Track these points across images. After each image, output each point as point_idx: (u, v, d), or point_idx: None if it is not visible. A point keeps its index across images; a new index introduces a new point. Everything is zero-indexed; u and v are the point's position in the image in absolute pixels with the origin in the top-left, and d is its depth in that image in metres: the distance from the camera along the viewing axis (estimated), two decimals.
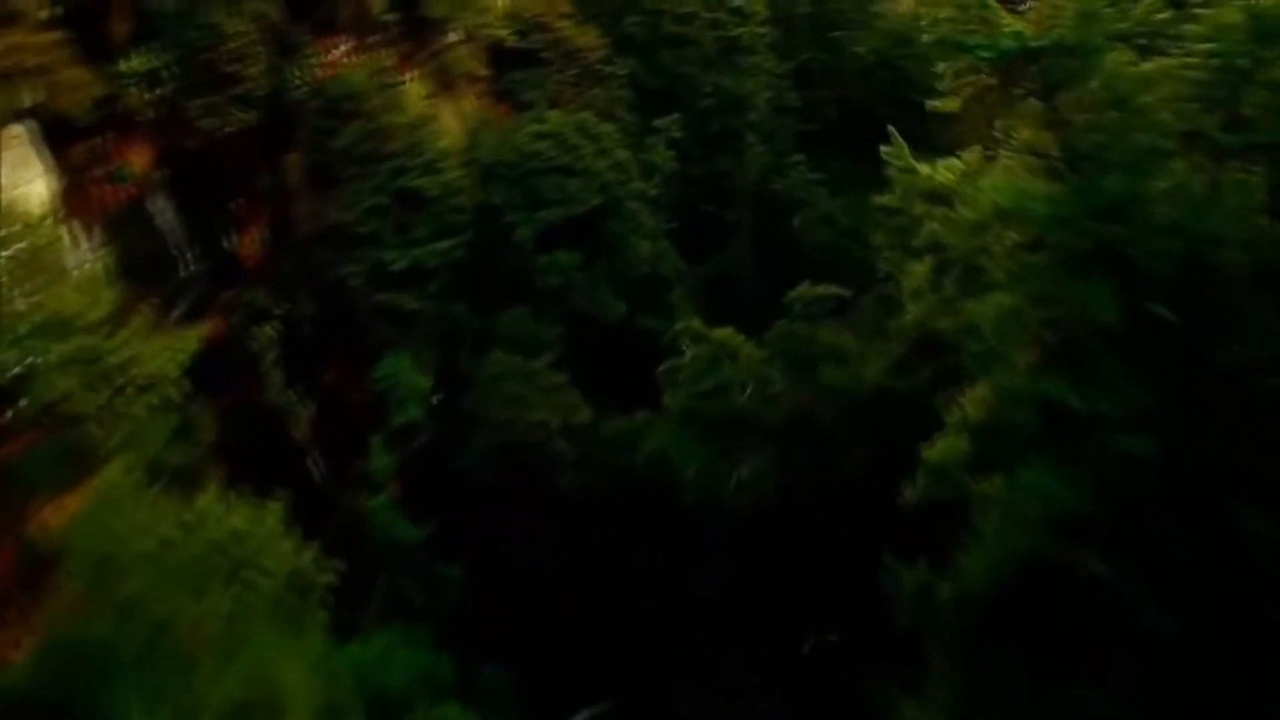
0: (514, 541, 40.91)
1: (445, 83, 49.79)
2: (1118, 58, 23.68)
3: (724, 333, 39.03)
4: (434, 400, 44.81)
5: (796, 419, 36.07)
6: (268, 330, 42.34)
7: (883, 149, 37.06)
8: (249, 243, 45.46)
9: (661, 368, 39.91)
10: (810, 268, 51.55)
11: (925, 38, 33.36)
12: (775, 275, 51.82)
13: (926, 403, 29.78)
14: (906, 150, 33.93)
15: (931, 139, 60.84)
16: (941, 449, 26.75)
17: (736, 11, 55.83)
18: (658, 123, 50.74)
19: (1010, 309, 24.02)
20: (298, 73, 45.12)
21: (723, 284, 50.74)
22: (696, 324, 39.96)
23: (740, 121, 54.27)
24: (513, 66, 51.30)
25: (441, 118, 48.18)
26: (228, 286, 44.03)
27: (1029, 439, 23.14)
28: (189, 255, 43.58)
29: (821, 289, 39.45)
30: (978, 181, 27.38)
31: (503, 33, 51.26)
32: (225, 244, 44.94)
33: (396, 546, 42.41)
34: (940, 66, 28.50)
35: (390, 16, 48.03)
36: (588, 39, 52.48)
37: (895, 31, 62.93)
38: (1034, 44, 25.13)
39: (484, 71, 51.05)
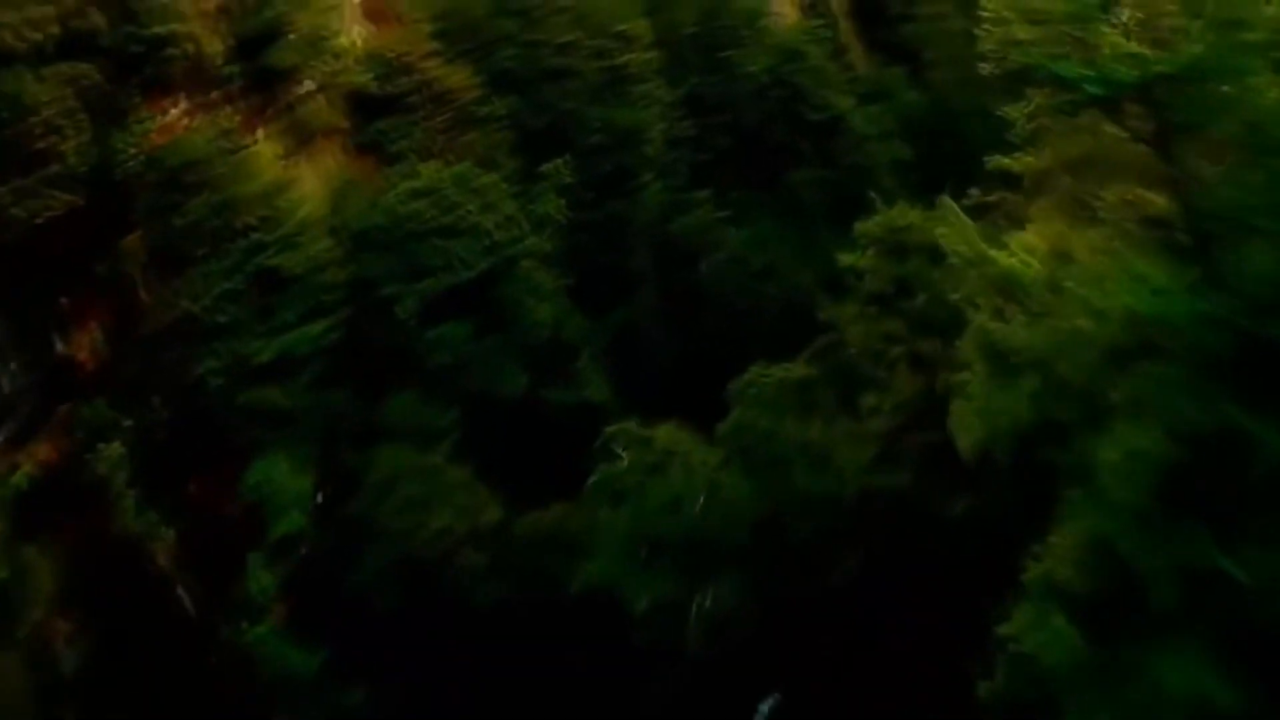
0: (424, 667, 35.58)
1: (302, 140, 43.92)
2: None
3: (667, 432, 33.92)
4: (318, 503, 39.33)
5: (766, 534, 30.99)
6: (115, 447, 36.27)
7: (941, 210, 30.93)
8: (85, 344, 38.94)
9: (591, 479, 34.56)
10: (724, 318, 47.25)
11: (998, 64, 25.73)
12: (687, 329, 47.33)
13: (921, 502, 25.35)
14: (971, 230, 27.29)
15: (849, 172, 57.78)
16: (1027, 624, 19.80)
17: (621, 37, 51.05)
18: (545, 167, 45.57)
19: (1138, 449, 17.93)
20: (127, 141, 38.85)
21: (631, 343, 45.85)
22: (633, 426, 34.79)
23: (633, 158, 49.47)
24: (377, 115, 45.72)
25: (300, 181, 42.36)
26: (63, 399, 37.61)
27: (1164, 618, 17.41)
28: (12, 366, 37.11)
29: (780, 370, 34.43)
30: (1069, 269, 21.38)
31: (363, 78, 45.64)
32: (56, 348, 38.40)
33: (289, 679, 36.87)
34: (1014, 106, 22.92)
35: (232, 69, 42.10)
36: (459, 78, 47.21)
37: (785, 46, 59.04)
38: (1161, 69, 18.85)
39: (345, 123, 45.38)
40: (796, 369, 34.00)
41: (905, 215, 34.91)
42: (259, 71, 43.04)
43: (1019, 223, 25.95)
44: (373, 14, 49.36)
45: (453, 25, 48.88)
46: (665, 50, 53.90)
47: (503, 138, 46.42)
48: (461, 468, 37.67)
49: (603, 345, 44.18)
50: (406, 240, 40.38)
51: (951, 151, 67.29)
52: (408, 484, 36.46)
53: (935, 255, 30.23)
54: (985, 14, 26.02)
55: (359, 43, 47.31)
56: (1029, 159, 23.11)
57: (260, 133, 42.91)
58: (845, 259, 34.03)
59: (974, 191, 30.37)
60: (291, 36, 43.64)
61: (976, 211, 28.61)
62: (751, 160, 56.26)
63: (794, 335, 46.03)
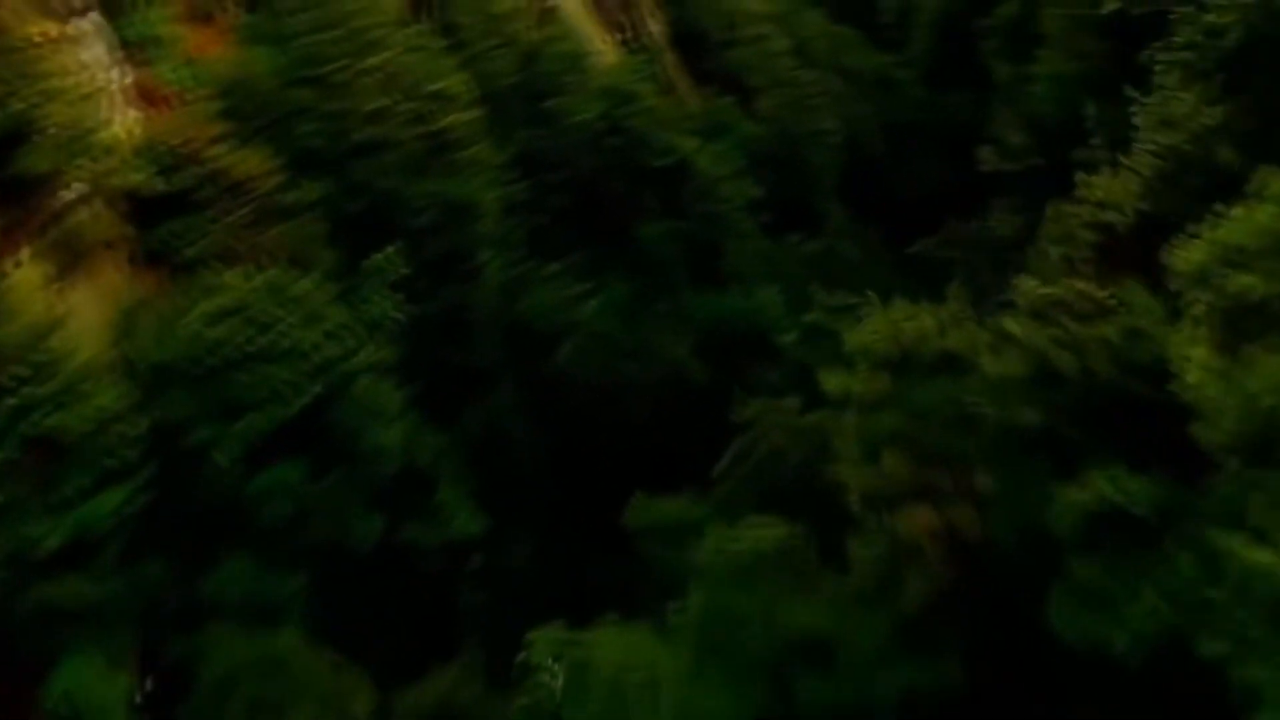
0: None
1: (74, 258, 36.34)
2: None
3: (611, 637, 27.41)
4: (141, 702, 32.20)
5: None
6: None
7: None
8: None
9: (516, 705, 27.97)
10: (595, 409, 41.71)
11: None
12: (554, 427, 41.59)
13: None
14: None
15: (702, 220, 53.01)
16: None
17: (438, 97, 44.87)
18: (370, 260, 39.14)
19: None
20: None
21: (494, 455, 39.85)
22: (558, 630, 28.43)
23: (468, 235, 43.38)
24: (164, 217, 38.47)
25: (77, 311, 34.95)
26: None
27: None
28: None
29: (753, 531, 28.31)
30: None
31: (141, 175, 38.32)
32: None
33: None
34: None
35: None
36: (255, 163, 40.19)
37: (615, 88, 53.86)
38: None
39: (126, 231, 38.05)
40: (770, 529, 27.95)
41: (916, 320, 28.35)
42: (9, 181, 35.41)
43: None
44: (146, 96, 42.00)
45: (241, 101, 41.89)
46: (487, 107, 47.95)
47: (316, 229, 39.69)
48: (317, 647, 31.00)
49: (462, 464, 38.00)
50: (216, 372, 33.50)
51: (797, 181, 63.72)
52: (251, 679, 29.60)
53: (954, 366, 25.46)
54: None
55: (132, 132, 39.96)
56: None
57: (21, 255, 35.32)
58: (830, 381, 28.02)
59: None
60: (44, 134, 36.03)
61: None
62: (594, 218, 51.00)
63: (682, 424, 40.97)
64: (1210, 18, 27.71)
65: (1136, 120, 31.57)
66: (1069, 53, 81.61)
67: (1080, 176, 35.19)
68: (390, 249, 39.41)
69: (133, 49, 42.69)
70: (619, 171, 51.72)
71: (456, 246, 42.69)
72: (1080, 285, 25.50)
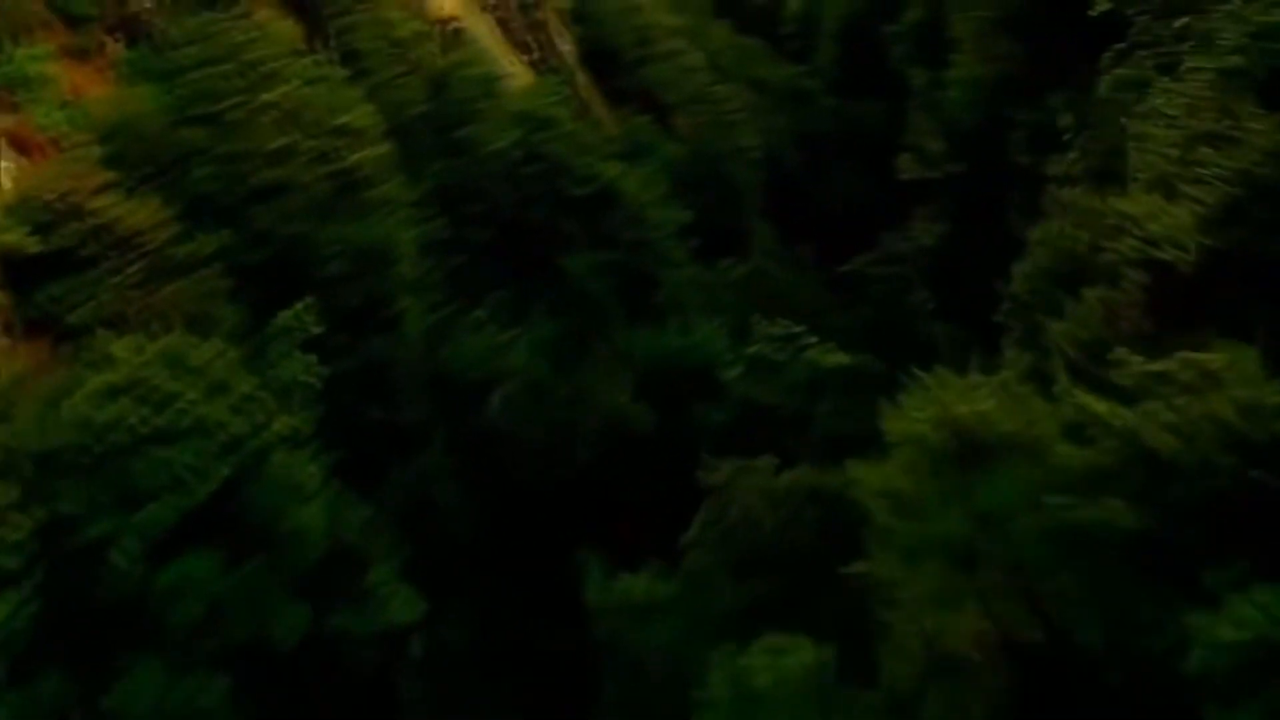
0: None
1: None
2: None
3: None
4: None
5: None
6: None
7: None
8: None
9: None
10: (533, 466, 38.49)
11: None
12: (490, 490, 38.30)
13: None
14: None
15: (631, 249, 50.07)
16: None
17: (345, 132, 41.30)
18: (279, 317, 35.46)
19: None
20: None
21: (427, 524, 36.34)
22: None
23: (384, 282, 39.84)
24: (44, 279, 34.40)
25: None
26: None
27: None
28: None
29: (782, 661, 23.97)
30: None
31: (15, 233, 34.19)
32: None
33: None
34: None
35: None
36: (145, 214, 36.25)
37: (531, 113, 50.72)
38: None
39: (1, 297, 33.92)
40: (794, 654, 24.20)
41: (973, 398, 23.43)
42: None
43: None
44: (18, 144, 37.81)
45: (126, 146, 37.92)
46: (396, 140, 44.45)
47: (216, 285, 35.90)
48: None
49: (392, 538, 34.46)
50: (109, 458, 29.53)
51: (722, 201, 61.18)
52: None
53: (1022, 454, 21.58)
54: None
55: (3, 186, 35.82)
56: None
57: None
58: (869, 477, 23.91)
59: None
60: None
61: None
62: (516, 252, 47.79)
63: (629, 475, 38.04)
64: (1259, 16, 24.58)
65: (1139, 131, 28.32)
66: (983, 56, 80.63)
67: (1067, 195, 32.73)
68: (300, 304, 35.72)
69: (1, 92, 38.54)
70: (540, 202, 48.69)
71: (372, 295, 39.16)
72: (1184, 354, 21.17)
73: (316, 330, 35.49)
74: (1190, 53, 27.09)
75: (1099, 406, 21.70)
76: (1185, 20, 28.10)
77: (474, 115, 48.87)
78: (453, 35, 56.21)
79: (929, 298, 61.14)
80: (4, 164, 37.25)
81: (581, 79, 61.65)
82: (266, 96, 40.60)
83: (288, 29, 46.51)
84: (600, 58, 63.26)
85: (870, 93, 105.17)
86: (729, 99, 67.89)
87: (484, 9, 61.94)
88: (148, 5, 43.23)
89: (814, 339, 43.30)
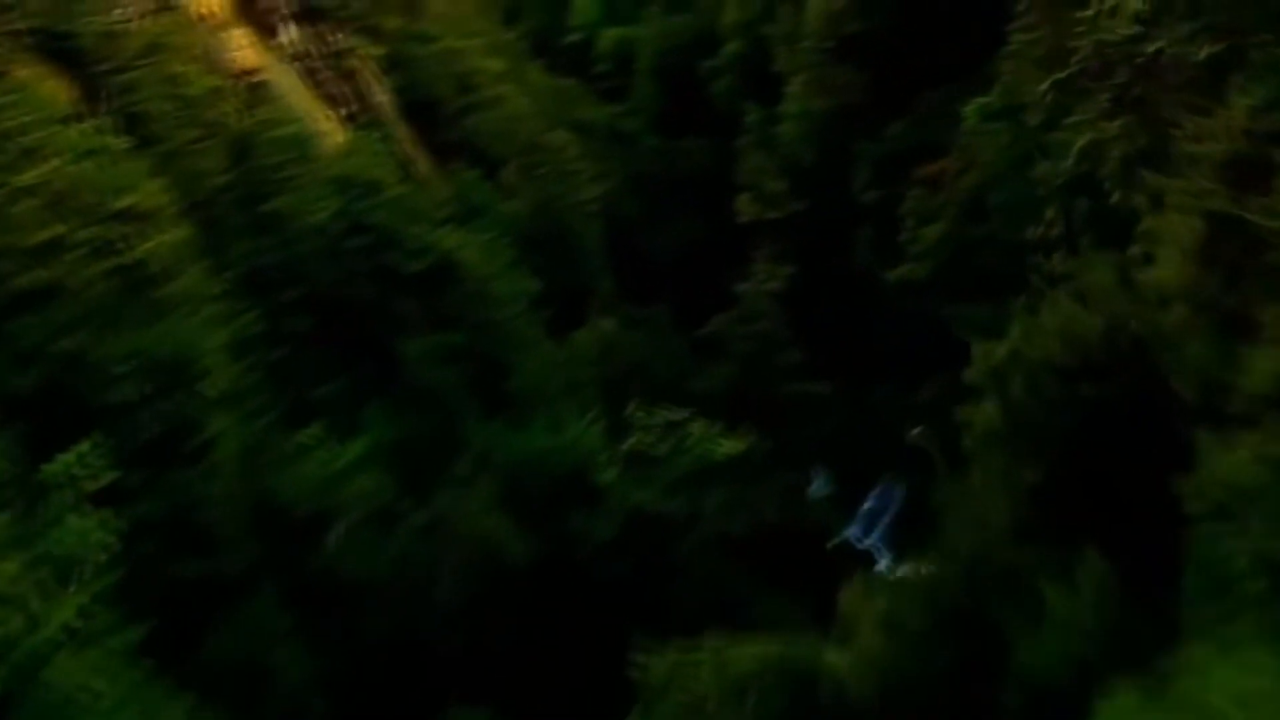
0: None
1: None
2: None
3: None
4: None
5: None
6: None
7: None
8: None
9: None
10: (388, 614, 31.45)
11: None
12: (339, 648, 31.10)
13: None
14: None
15: (477, 330, 43.31)
16: None
17: (129, 215, 33.48)
18: (57, 463, 27.44)
19: None
20: None
21: (259, 697, 28.75)
22: None
23: (189, 400, 32.07)
24: None
25: None
26: None
27: None
28: None
29: None
30: None
31: None
32: None
33: None
34: None
35: None
36: None
37: (350, 178, 43.63)
38: None
39: None
40: None
41: None
42: None
43: None
44: None
45: None
46: (194, 220, 36.82)
47: None
48: None
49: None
50: None
51: (566, 263, 55.07)
52: None
53: None
54: None
55: None
56: None
57: None
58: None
59: None
60: None
61: None
62: (346, 342, 40.56)
63: (504, 622, 31.45)
64: None
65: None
66: (817, 88, 77.04)
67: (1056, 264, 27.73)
68: (84, 442, 27.82)
69: None
70: (368, 279, 41.66)
71: (175, 419, 31.38)
72: None
73: (108, 475, 27.65)
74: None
75: None
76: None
77: (285, 184, 41.45)
78: (254, 91, 48.57)
79: (794, 354, 56.33)
80: None
81: (402, 133, 54.67)
82: (27, 176, 32.57)
83: (54, 91, 38.47)
84: (421, 109, 56.34)
85: (693, 130, 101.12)
86: (562, 147, 61.86)
87: (288, 59, 54.37)
88: None
89: (696, 423, 37.55)
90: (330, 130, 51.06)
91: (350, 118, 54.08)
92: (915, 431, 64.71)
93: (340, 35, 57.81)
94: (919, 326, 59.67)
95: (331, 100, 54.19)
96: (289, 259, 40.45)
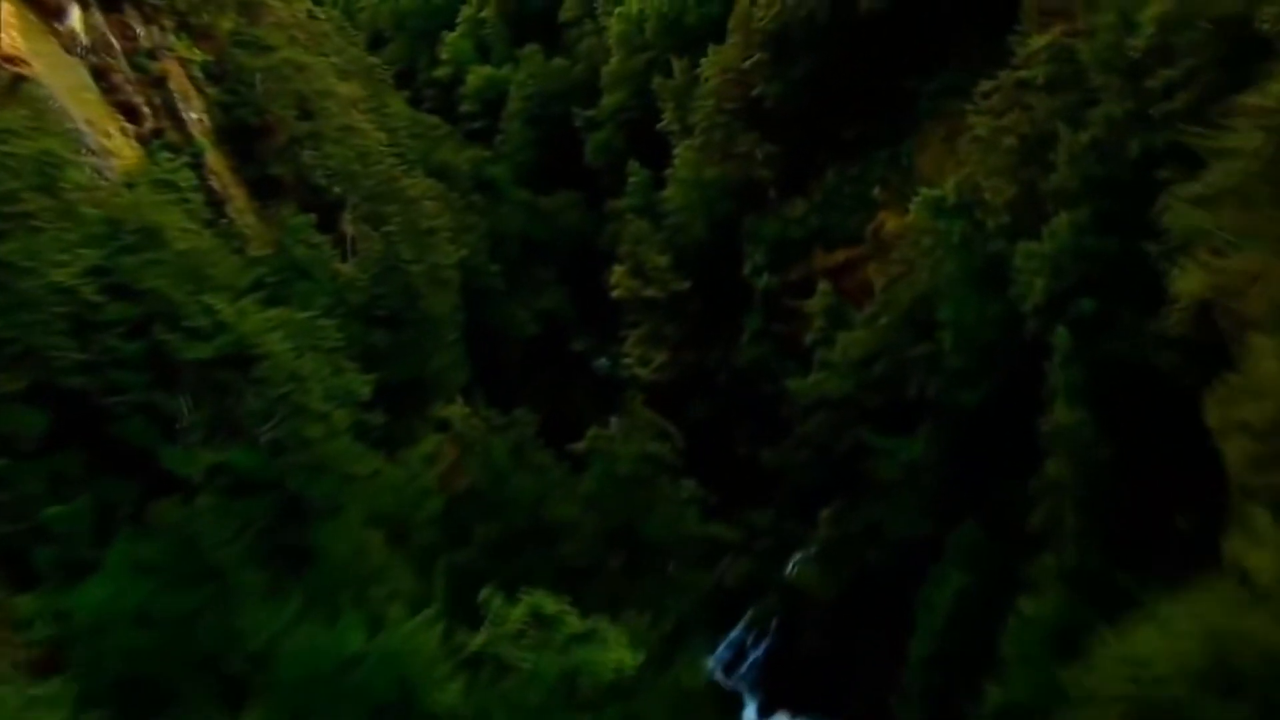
0: None
1: None
2: None
3: None
4: None
5: None
6: None
7: None
8: None
9: None
10: None
11: None
12: None
13: None
14: None
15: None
16: None
17: None
18: None
19: None
20: None
21: None
22: None
23: None
24: None
25: None
26: None
27: None
28: None
29: None
30: None
31: None
32: None
33: None
34: None
35: None
36: None
37: (125, 221, 30.29)
38: None
39: None
40: None
41: None
42: None
43: None
44: None
45: None
46: None
47: None
48: None
49: None
50: None
51: (406, 346, 42.47)
52: None
53: None
54: None
55: None
56: None
57: None
58: None
59: None
60: None
61: None
62: (88, 458, 27.22)
63: None
64: None
65: None
66: (717, 155, 66.31)
67: None
68: None
69: None
70: (128, 367, 28.34)
71: None
72: None
73: None
74: None
75: None
76: None
77: (18, 222, 27.90)
78: (8, 85, 34.85)
79: (680, 473, 44.62)
80: None
81: (217, 162, 41.27)
82: None
83: None
84: (246, 133, 43.04)
85: (565, 184, 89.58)
86: (419, 196, 49.33)
87: (74, 51, 40.61)
88: None
89: (572, 620, 25.61)
90: (116, 150, 37.48)
91: (152, 136, 40.52)
92: (794, 564, 54.31)
93: (152, 29, 44.25)
94: (817, 445, 49.12)
95: (127, 111, 40.54)
96: (12, 331, 26.87)
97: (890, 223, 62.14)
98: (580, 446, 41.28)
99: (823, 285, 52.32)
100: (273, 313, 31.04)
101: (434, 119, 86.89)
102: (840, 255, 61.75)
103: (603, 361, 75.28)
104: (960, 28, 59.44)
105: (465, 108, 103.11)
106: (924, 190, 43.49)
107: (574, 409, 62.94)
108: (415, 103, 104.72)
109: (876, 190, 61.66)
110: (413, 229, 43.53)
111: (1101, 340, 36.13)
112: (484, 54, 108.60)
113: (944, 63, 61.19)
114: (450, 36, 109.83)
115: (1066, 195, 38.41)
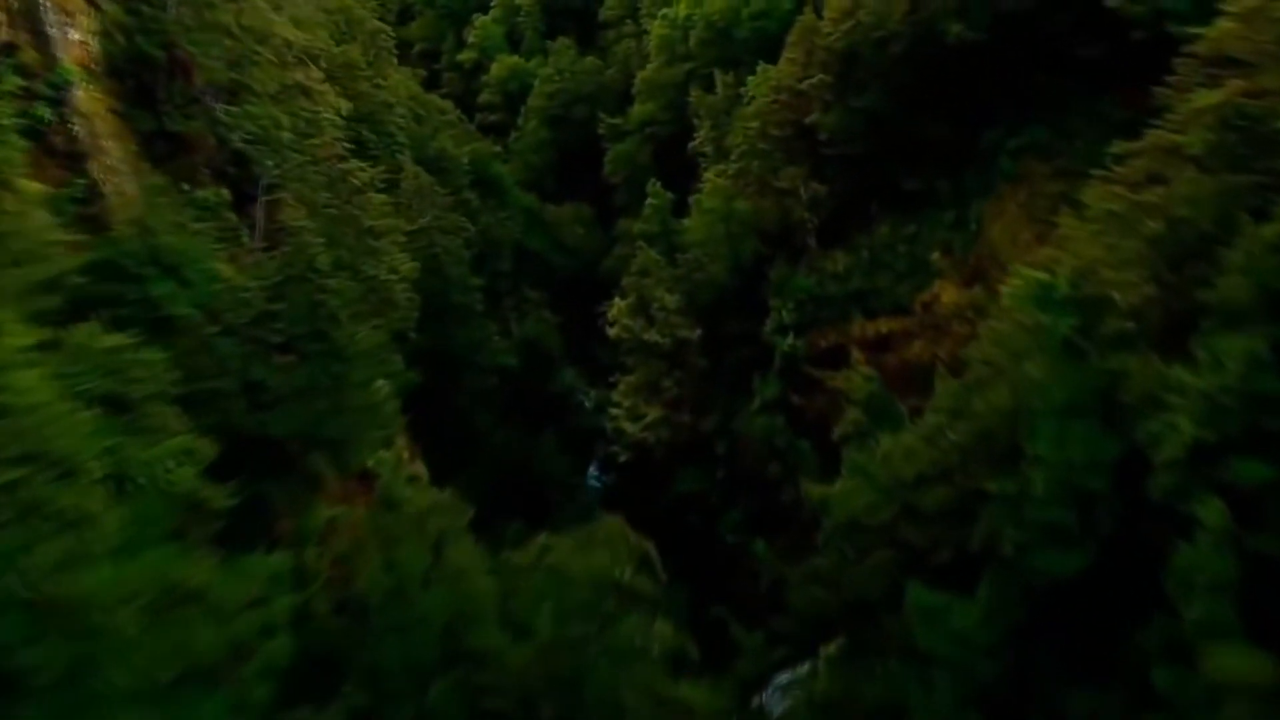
0: None
1: None
2: None
3: None
4: None
5: None
6: None
7: None
8: None
9: None
10: None
11: None
12: None
13: None
14: None
15: None
16: None
17: None
18: None
19: None
20: None
21: None
22: None
23: None
24: None
25: None
26: None
27: None
28: None
29: None
30: None
31: None
32: None
33: None
34: None
35: None
36: None
37: None
38: None
39: None
40: None
41: None
42: None
43: None
44: None
45: None
46: None
47: None
48: None
49: None
50: None
51: (305, 398, 30.47)
52: None
53: None
54: None
55: None
56: None
57: None
58: None
59: None
60: None
61: None
62: None
63: None
64: None
65: None
66: (749, 186, 53.85)
67: None
68: None
69: None
70: None
71: None
72: None
73: None
74: None
75: None
76: None
77: None
78: None
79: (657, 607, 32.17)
80: None
81: (88, 102, 29.20)
82: None
83: None
84: (145, 71, 31.06)
85: (576, 194, 77.74)
86: (371, 185, 37.29)
87: None
88: None
89: None
90: None
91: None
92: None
93: None
94: (835, 580, 36.95)
95: None
96: None
97: (946, 295, 50.29)
98: (523, 558, 29.23)
99: (864, 369, 40.27)
100: (54, 334, 19.01)
101: (443, 103, 74.92)
102: (883, 325, 49.79)
103: (588, 395, 63.16)
104: (1066, 73, 47.74)
105: (484, 97, 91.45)
106: (1022, 269, 31.39)
107: (545, 468, 50.99)
108: (432, 86, 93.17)
109: (935, 255, 49.83)
110: (348, 227, 31.49)
111: (1272, 524, 24.44)
112: (514, 44, 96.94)
113: (1034, 114, 49.60)
114: (481, 19, 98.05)
115: (1234, 310, 26.53)
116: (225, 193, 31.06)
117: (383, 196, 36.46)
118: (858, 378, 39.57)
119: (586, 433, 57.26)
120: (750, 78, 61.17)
